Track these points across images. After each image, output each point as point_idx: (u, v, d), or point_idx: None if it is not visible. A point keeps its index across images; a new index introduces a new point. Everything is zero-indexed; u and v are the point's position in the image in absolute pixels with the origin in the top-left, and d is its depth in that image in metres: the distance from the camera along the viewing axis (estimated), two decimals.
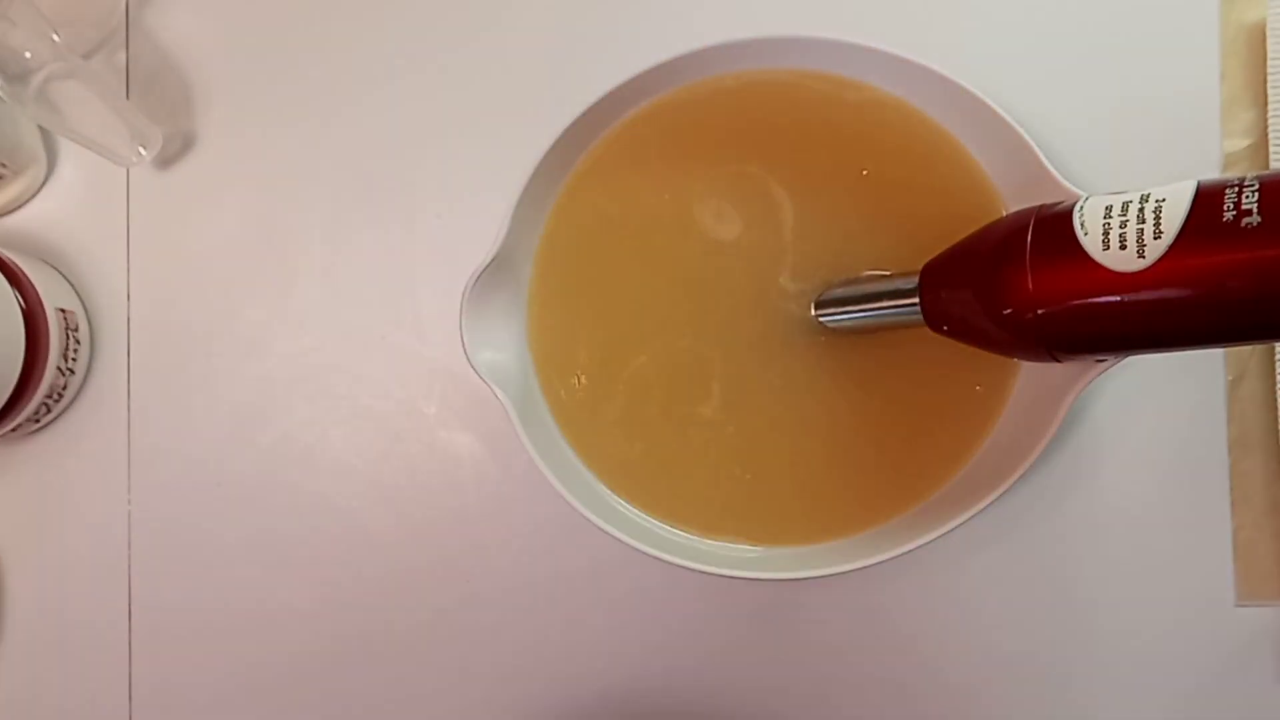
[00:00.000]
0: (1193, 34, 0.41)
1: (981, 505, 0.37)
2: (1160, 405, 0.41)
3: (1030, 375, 0.39)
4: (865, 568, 0.37)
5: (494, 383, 0.36)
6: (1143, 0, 0.42)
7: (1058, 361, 0.32)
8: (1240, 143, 0.41)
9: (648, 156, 0.40)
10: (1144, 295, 0.28)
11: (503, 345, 0.39)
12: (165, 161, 0.45)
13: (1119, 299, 0.28)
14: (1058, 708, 0.42)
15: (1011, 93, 0.39)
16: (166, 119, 0.45)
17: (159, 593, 0.44)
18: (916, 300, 0.35)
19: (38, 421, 0.43)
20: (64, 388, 0.43)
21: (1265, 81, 0.40)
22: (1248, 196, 0.26)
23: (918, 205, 0.40)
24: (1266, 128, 0.40)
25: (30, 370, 0.41)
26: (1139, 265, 0.28)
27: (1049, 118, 0.41)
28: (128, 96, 0.45)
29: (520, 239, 0.39)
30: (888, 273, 0.39)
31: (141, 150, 0.42)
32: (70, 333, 0.43)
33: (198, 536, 0.44)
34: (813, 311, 0.39)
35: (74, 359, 0.43)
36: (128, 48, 0.45)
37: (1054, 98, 0.41)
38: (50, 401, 0.43)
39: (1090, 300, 0.29)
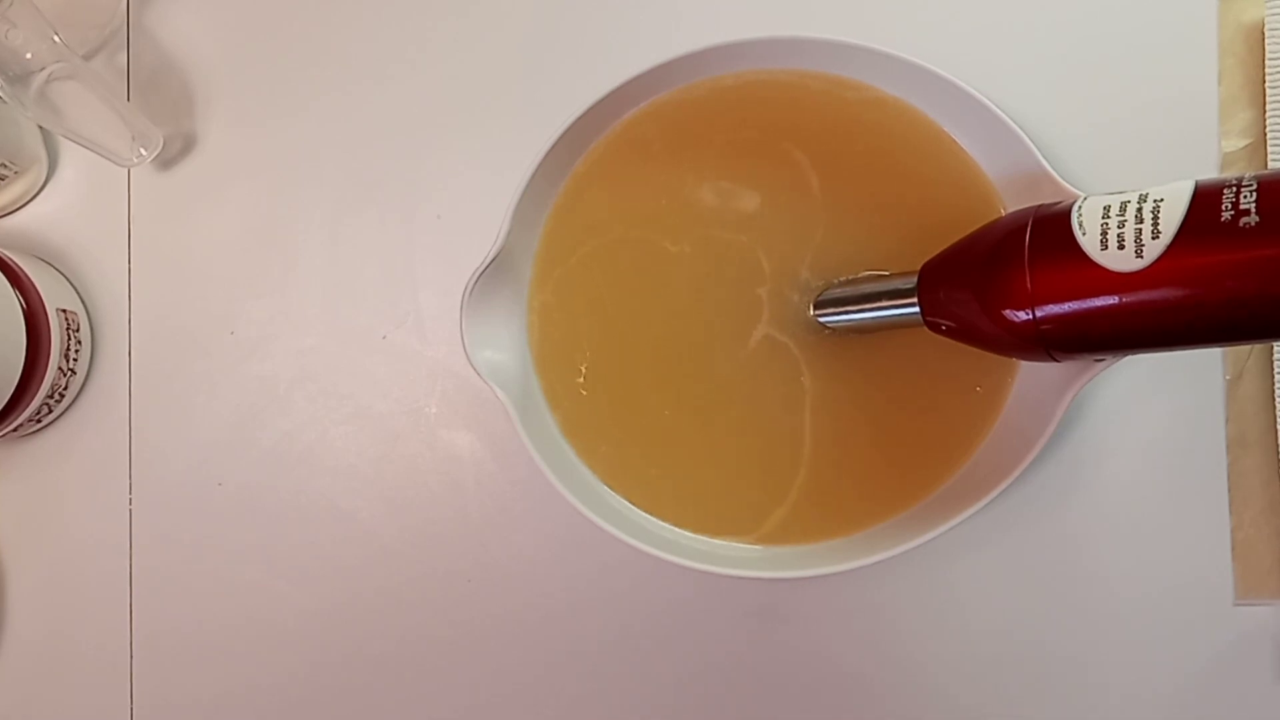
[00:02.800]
0: (1190, 34, 0.41)
1: (981, 503, 0.37)
2: (1159, 404, 0.41)
3: (1029, 374, 0.39)
4: (865, 566, 0.37)
5: (494, 383, 0.36)
6: (1141, 0, 0.42)
7: (1056, 361, 0.32)
8: (1238, 143, 0.41)
9: (648, 156, 0.41)
10: (1142, 295, 0.28)
11: (503, 345, 0.39)
12: (166, 162, 0.45)
13: (1117, 299, 0.28)
14: (1057, 705, 0.42)
15: (1010, 93, 0.39)
16: (167, 120, 0.45)
17: (160, 592, 0.44)
18: (915, 300, 0.35)
19: (39, 421, 0.43)
20: (65, 388, 0.43)
21: (1263, 81, 0.40)
22: (1246, 196, 0.26)
23: (916, 205, 0.40)
24: (1265, 127, 0.40)
25: (31, 370, 0.41)
26: (1137, 265, 0.28)
27: (1047, 118, 0.41)
28: (128, 97, 0.45)
29: (520, 239, 0.39)
30: (886, 273, 0.39)
31: (142, 151, 0.42)
32: (71, 333, 0.43)
33: (199, 536, 0.44)
34: (811, 312, 0.40)
35: (75, 359, 0.43)
36: (128, 48, 0.45)
37: (1052, 98, 0.41)
38: (51, 402, 0.43)
39: (1088, 300, 0.29)
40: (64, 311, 0.42)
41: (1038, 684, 0.42)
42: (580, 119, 0.38)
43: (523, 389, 0.39)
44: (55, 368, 0.42)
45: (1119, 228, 0.28)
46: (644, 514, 0.40)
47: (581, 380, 0.41)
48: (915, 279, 0.35)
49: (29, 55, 0.39)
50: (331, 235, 0.44)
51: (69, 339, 0.42)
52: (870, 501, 0.40)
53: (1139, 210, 0.28)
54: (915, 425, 0.40)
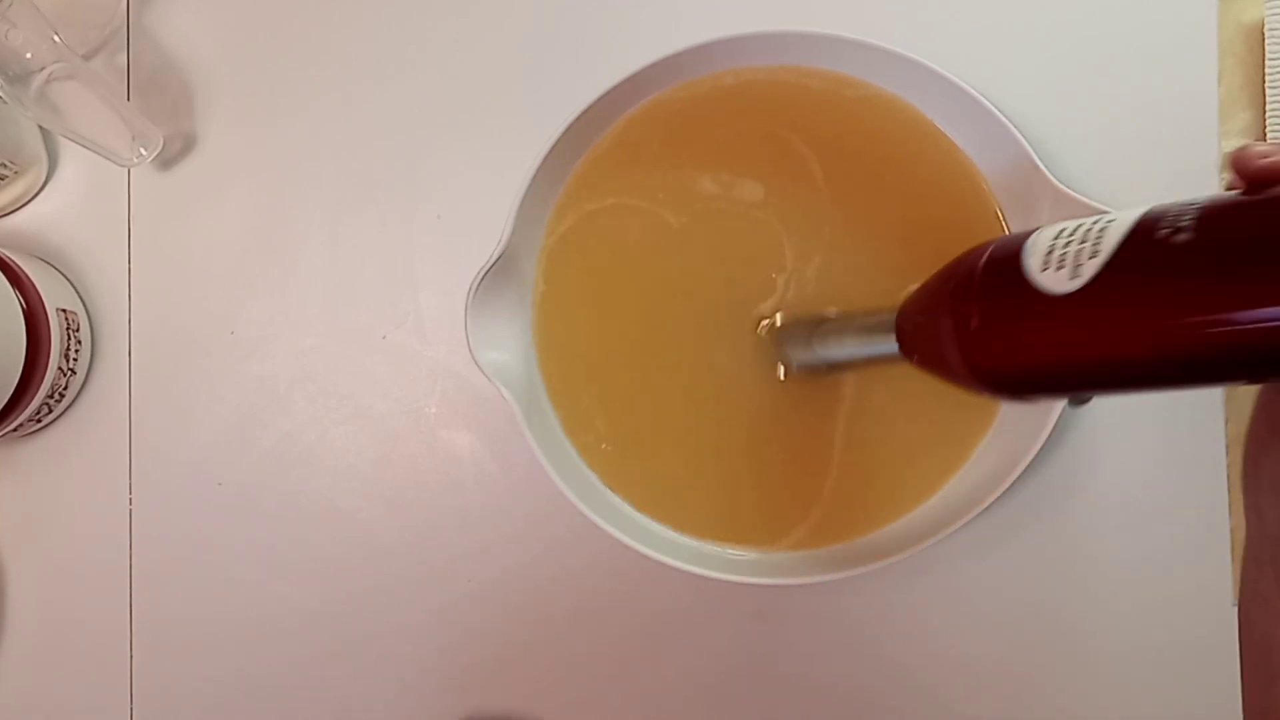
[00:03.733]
0: (1190, 34, 0.41)
1: (980, 508, 0.37)
2: (1158, 404, 0.41)
3: None
4: (863, 573, 0.37)
5: (500, 382, 0.36)
6: (1141, 0, 0.42)
7: (1022, 401, 0.30)
8: (1238, 143, 0.41)
9: (649, 155, 0.41)
10: (1076, 319, 0.25)
11: (507, 345, 0.39)
12: (166, 162, 0.45)
13: (1052, 323, 0.26)
14: (1056, 706, 0.42)
15: (1010, 93, 0.39)
16: (167, 119, 0.45)
17: (160, 591, 0.44)
18: (895, 339, 0.33)
19: (39, 421, 0.43)
20: (65, 388, 0.43)
21: (1263, 81, 0.40)
22: (1188, 216, 0.24)
23: (912, 203, 0.40)
24: (1265, 128, 0.40)
25: (31, 370, 0.41)
26: (1072, 286, 0.25)
27: (1047, 118, 0.41)
28: (128, 97, 0.45)
29: (523, 238, 0.39)
30: (859, 313, 0.37)
31: (142, 151, 0.42)
32: (71, 333, 0.43)
33: (198, 536, 0.44)
34: (792, 368, 0.39)
35: (75, 359, 0.43)
36: (128, 48, 0.45)
37: (1052, 98, 0.41)
38: (51, 401, 0.43)
39: (1026, 326, 0.27)
40: (64, 311, 0.42)
41: (1036, 684, 0.42)
42: (581, 117, 0.38)
43: (527, 389, 0.39)
44: (55, 368, 0.42)
45: (1063, 249, 0.26)
46: (646, 516, 0.40)
47: (586, 381, 0.41)
48: (894, 317, 0.33)
49: (29, 55, 0.39)
50: (331, 235, 0.44)
51: (69, 339, 0.42)
52: (869, 508, 0.40)
53: (1087, 232, 0.26)
54: (914, 430, 0.40)
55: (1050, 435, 0.36)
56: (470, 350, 0.36)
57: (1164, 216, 0.24)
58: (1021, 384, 0.28)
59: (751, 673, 0.43)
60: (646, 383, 0.41)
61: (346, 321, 0.44)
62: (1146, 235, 0.24)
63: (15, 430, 0.42)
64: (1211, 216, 0.23)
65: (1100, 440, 0.41)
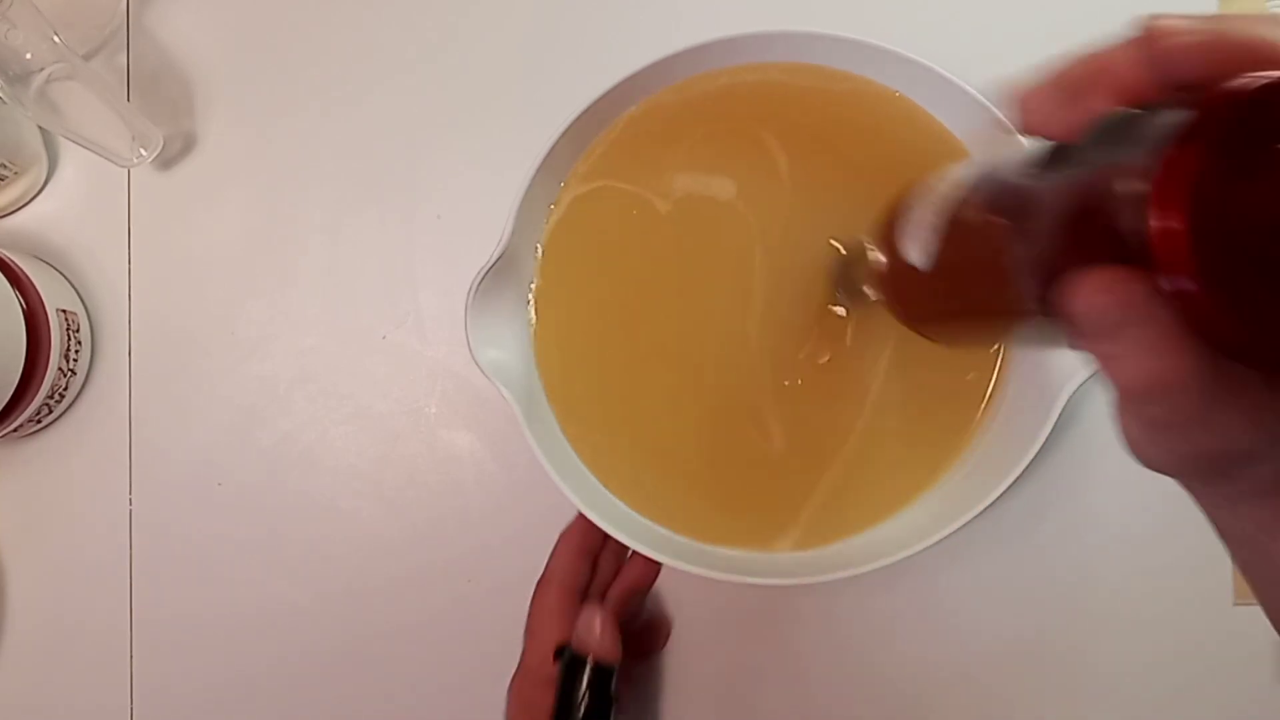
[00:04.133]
0: None
1: (979, 509, 0.37)
2: None
3: (1023, 374, 0.39)
4: (860, 574, 0.37)
5: (499, 382, 0.36)
6: (1141, 1, 0.42)
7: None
8: None
9: (647, 154, 0.41)
10: (922, 289, 0.26)
11: (507, 344, 0.39)
12: (166, 162, 0.45)
13: (913, 291, 0.27)
14: (1055, 705, 0.42)
15: None
16: (167, 120, 0.45)
17: (160, 592, 0.44)
18: None
19: (39, 422, 0.43)
20: (65, 388, 0.43)
21: None
22: (973, 186, 0.23)
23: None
24: None
25: (31, 371, 0.41)
26: (916, 257, 0.25)
27: None
28: (128, 97, 0.45)
29: (523, 238, 0.39)
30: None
31: (142, 151, 0.42)
32: (71, 333, 0.43)
33: (199, 536, 0.44)
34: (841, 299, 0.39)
35: (75, 359, 0.43)
36: (128, 49, 0.45)
37: None
38: (51, 402, 0.43)
39: (900, 291, 0.27)
40: (64, 311, 0.42)
41: (1038, 684, 0.42)
42: (581, 116, 0.38)
43: (527, 388, 0.39)
44: (55, 368, 0.42)
45: (917, 217, 0.25)
46: (646, 516, 0.40)
47: (585, 377, 0.41)
48: None
49: (29, 55, 0.39)
50: (331, 235, 0.44)
51: (69, 339, 0.42)
52: (867, 508, 0.40)
53: (931, 197, 0.25)
54: (910, 432, 0.40)
55: (1049, 436, 0.36)
56: (470, 350, 0.36)
57: (971, 181, 0.23)
58: (939, 337, 0.28)
59: (750, 669, 0.43)
60: (647, 380, 0.40)
61: (346, 321, 0.44)
62: (955, 204, 0.23)
63: (15, 430, 0.42)
64: (984, 188, 0.22)
65: (1098, 439, 0.41)
